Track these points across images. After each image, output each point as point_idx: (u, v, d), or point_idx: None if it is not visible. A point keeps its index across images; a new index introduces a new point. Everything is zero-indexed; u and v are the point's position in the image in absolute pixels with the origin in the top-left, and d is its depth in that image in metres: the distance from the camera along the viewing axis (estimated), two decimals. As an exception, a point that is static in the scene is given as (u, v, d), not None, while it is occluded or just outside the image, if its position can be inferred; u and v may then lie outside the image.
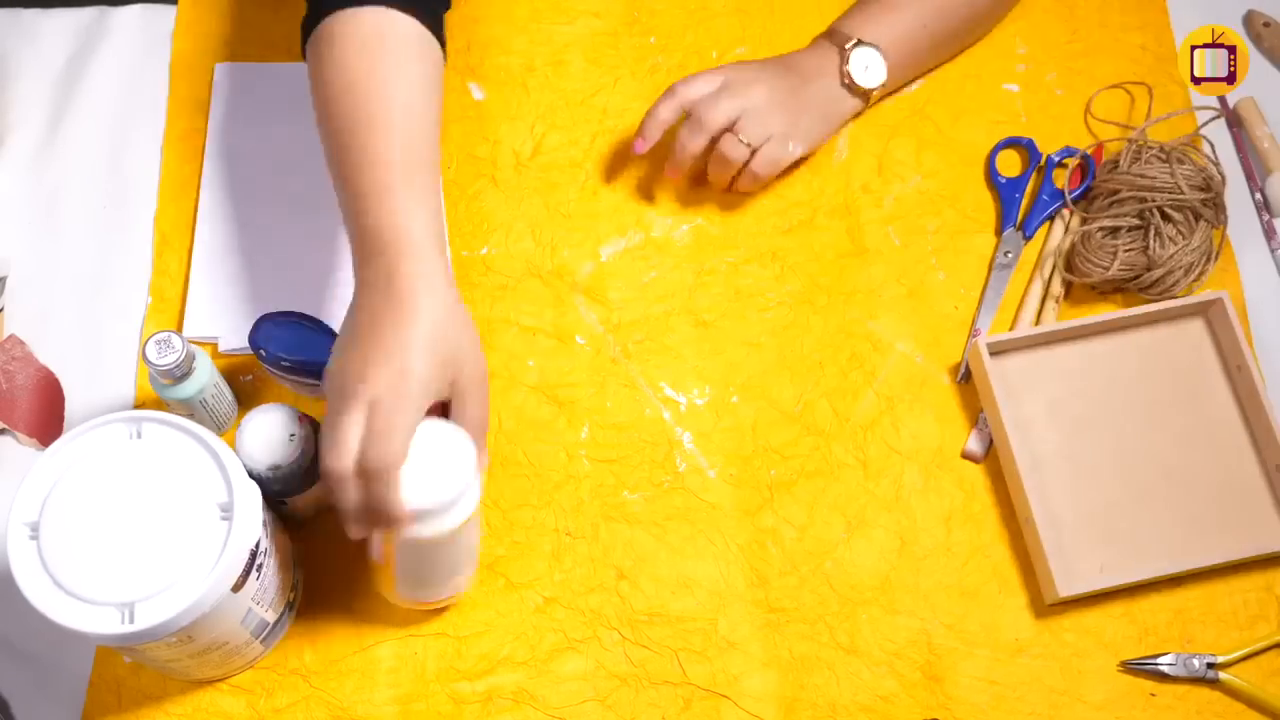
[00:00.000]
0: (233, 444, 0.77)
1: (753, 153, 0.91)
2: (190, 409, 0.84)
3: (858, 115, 0.97)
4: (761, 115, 0.90)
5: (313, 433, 0.82)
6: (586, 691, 0.83)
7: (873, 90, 0.94)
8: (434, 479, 0.69)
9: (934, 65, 0.99)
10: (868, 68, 0.93)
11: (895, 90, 0.98)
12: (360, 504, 0.69)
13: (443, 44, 0.82)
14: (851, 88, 0.94)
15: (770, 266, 0.94)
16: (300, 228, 0.95)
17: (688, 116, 0.91)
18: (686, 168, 0.93)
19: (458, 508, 0.71)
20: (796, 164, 0.96)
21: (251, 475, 0.75)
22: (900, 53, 0.94)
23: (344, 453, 0.68)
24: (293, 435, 0.79)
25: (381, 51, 0.77)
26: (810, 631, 0.84)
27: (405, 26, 0.78)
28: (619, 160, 0.98)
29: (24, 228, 0.96)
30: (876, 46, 0.93)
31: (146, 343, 0.80)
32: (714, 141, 0.91)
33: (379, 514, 0.69)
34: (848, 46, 0.93)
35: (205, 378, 0.83)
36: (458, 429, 0.71)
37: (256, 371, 0.91)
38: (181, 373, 0.81)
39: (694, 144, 0.91)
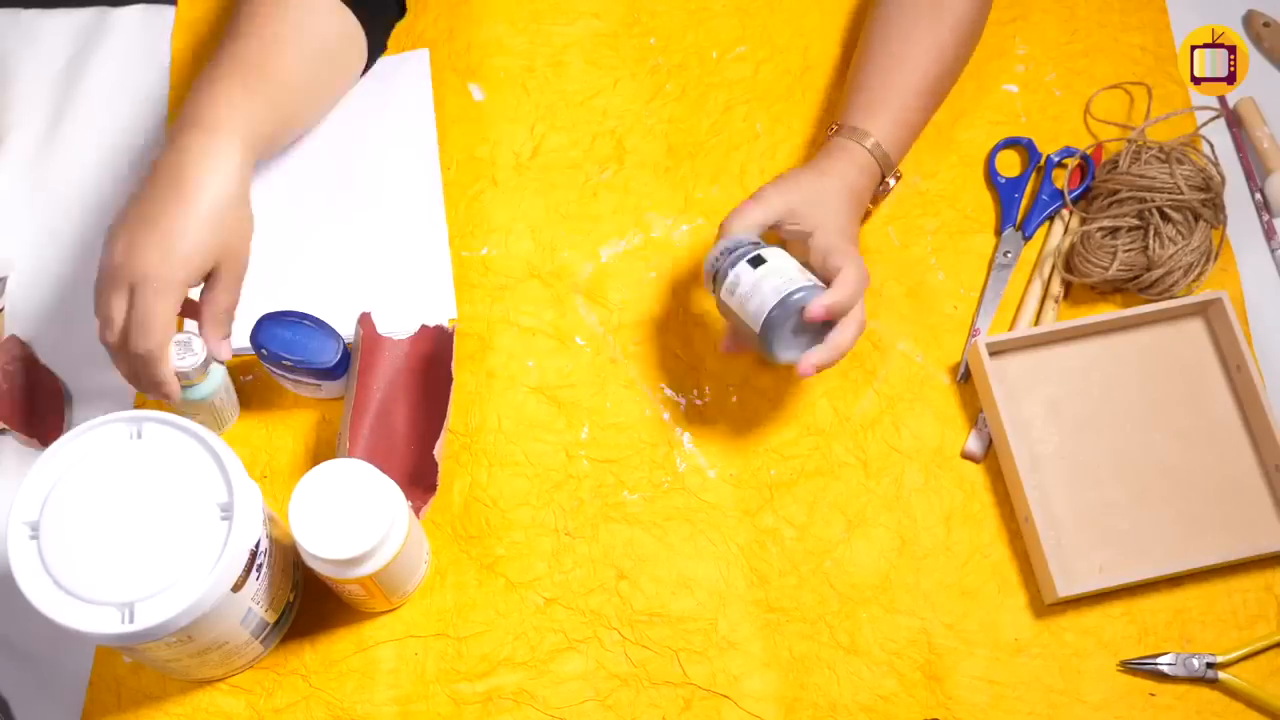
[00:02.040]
0: (233, 444, 0.77)
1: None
2: (199, 410, 0.84)
3: None
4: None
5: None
6: (587, 692, 0.83)
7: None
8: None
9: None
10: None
11: None
12: (132, 374, 0.78)
13: (375, 49, 0.91)
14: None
15: (770, 267, 0.94)
16: (300, 227, 0.95)
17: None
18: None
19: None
20: None
21: None
22: (908, 144, 0.92)
23: (113, 330, 0.76)
24: None
25: (291, 7, 0.82)
26: (810, 631, 0.84)
27: (329, 8, 0.85)
28: (619, 161, 0.98)
29: (24, 228, 0.96)
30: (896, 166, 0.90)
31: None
32: None
33: (151, 384, 0.77)
34: (890, 183, 0.91)
35: (219, 379, 0.83)
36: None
37: (257, 371, 0.91)
38: (198, 375, 0.81)
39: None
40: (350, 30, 0.88)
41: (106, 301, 0.76)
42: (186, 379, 0.81)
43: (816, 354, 0.80)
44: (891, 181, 0.91)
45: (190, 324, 0.82)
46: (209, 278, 0.78)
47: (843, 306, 0.80)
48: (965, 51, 0.95)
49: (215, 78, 0.79)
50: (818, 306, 0.79)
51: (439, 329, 0.89)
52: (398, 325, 0.90)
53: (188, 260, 0.74)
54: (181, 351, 0.80)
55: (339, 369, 0.86)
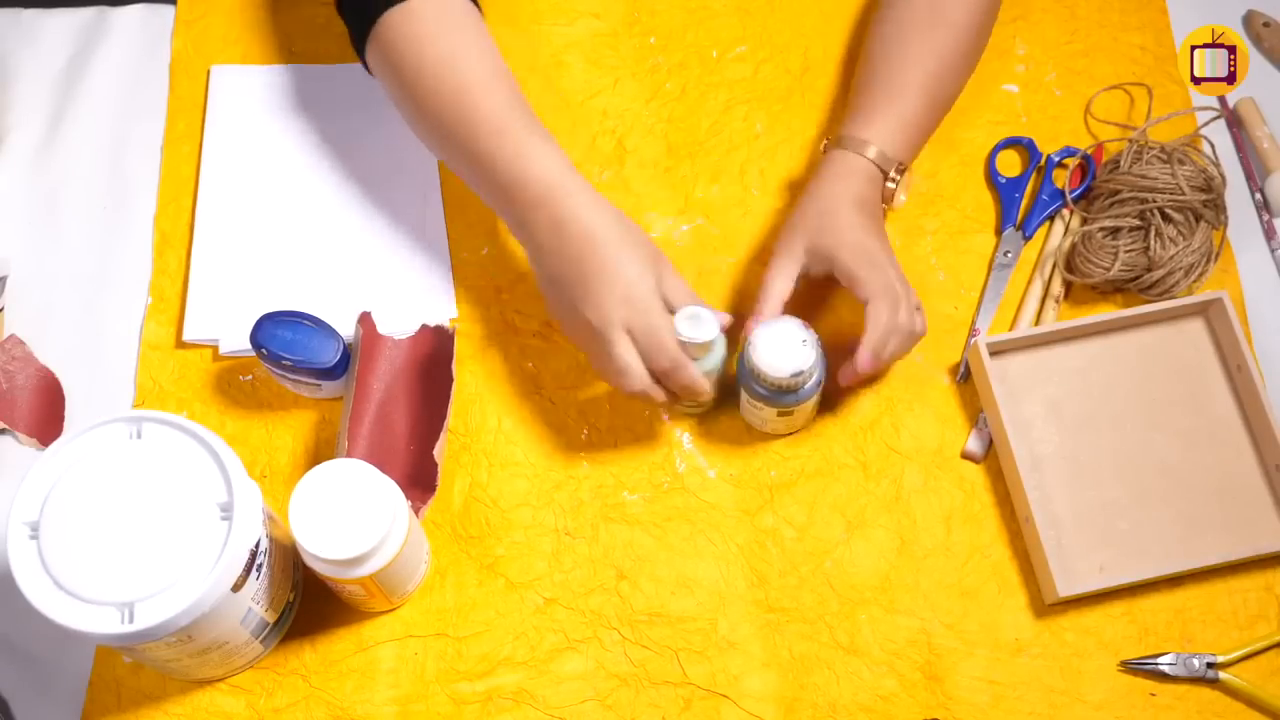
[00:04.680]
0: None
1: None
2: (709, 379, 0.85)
3: None
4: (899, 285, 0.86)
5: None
6: (587, 691, 0.83)
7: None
8: None
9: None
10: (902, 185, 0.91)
11: None
12: (671, 395, 0.84)
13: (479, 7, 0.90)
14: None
15: (770, 267, 0.94)
16: (300, 227, 0.95)
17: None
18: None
19: None
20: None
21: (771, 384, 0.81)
22: (916, 146, 0.92)
23: (638, 374, 0.82)
24: (805, 341, 0.82)
25: (454, 29, 0.86)
26: (810, 631, 0.84)
27: (457, 4, 0.87)
28: (619, 162, 0.98)
29: (24, 228, 0.96)
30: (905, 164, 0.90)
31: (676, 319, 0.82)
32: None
33: (690, 391, 0.83)
34: (897, 179, 0.89)
35: (723, 348, 0.86)
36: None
37: (257, 371, 0.91)
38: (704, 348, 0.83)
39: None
40: (481, 22, 0.89)
41: (618, 353, 0.81)
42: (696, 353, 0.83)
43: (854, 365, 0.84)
44: (898, 178, 0.89)
45: (686, 296, 0.84)
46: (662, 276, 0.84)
47: (878, 349, 0.83)
48: (968, 57, 0.94)
49: (514, 146, 0.83)
50: (849, 372, 0.84)
51: (439, 329, 0.89)
52: (398, 325, 0.90)
53: (647, 284, 0.81)
54: (693, 326, 0.82)
55: (339, 369, 0.86)
